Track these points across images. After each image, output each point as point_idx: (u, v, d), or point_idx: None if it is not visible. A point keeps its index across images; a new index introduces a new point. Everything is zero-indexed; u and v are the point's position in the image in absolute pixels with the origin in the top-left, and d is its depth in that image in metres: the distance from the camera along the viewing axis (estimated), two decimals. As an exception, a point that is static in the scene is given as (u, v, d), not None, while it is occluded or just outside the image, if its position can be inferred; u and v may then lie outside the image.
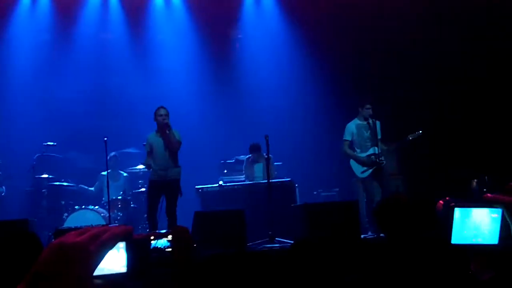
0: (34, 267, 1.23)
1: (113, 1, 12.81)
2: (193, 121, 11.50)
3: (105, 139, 9.20)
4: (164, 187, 8.85)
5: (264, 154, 9.79)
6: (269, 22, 13.11)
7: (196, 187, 10.34)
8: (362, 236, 8.17)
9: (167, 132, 8.83)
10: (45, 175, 10.77)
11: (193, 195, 10.22)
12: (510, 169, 9.71)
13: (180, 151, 9.04)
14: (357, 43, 12.07)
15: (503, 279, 3.23)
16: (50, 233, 8.78)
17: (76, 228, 7.40)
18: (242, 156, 11.23)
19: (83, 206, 10.27)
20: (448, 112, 11.69)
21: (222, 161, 11.50)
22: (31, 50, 12.46)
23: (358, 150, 9.59)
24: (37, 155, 10.96)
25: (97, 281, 2.75)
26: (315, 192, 11.57)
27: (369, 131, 9.49)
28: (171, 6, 13.01)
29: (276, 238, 8.42)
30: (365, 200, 9.56)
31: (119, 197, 10.60)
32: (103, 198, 10.49)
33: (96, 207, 10.33)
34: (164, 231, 6.29)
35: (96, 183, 11.08)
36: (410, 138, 9.58)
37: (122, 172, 11.21)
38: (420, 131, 9.57)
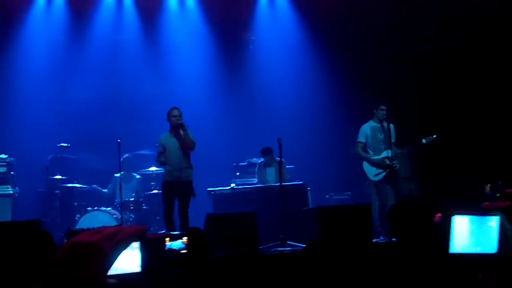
0: (49, 266, 1.23)
1: (128, 2, 12.84)
2: (206, 123, 11.49)
3: (119, 140, 9.23)
4: (177, 188, 8.88)
5: (277, 157, 9.77)
6: (282, 24, 13.08)
7: (208, 189, 10.34)
8: (374, 240, 8.13)
9: (182, 132, 8.86)
10: (58, 176, 10.80)
11: (205, 198, 10.22)
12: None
13: (193, 153, 9.06)
14: (372, 45, 12.02)
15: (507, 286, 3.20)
16: (62, 234, 8.81)
17: (88, 229, 7.42)
18: (254, 159, 11.22)
19: (96, 208, 10.31)
20: (463, 116, 11.61)
21: (235, 164, 11.49)
22: (46, 51, 12.51)
23: (371, 153, 9.54)
24: (50, 156, 11.01)
25: (112, 280, 2.76)
26: (327, 196, 11.54)
27: (383, 134, 9.44)
28: (185, 8, 13.02)
29: (288, 242, 8.40)
30: (377, 203, 9.51)
31: (132, 199, 10.63)
32: (116, 200, 10.53)
33: (109, 208, 10.37)
34: (179, 232, 6.31)
35: (109, 185, 11.11)
36: (424, 142, 9.52)
37: (135, 174, 11.24)
38: (435, 136, 9.52)
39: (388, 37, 11.99)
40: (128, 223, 10.08)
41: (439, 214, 3.73)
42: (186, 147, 8.90)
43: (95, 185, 11.06)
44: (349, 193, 11.52)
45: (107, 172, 11.11)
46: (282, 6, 13.10)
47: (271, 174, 10.71)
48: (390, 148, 9.36)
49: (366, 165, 9.54)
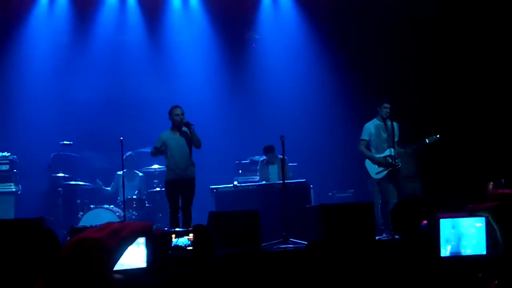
0: (55, 263, 1.24)
1: (131, 2, 12.84)
2: (208, 121, 11.50)
3: (121, 138, 9.24)
4: (181, 186, 8.91)
5: (279, 155, 9.78)
6: (286, 22, 13.07)
7: (211, 187, 10.35)
8: (376, 238, 8.13)
9: (189, 130, 8.90)
10: (61, 174, 10.83)
11: (208, 195, 10.23)
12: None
13: (196, 151, 9.09)
14: (376, 44, 12.00)
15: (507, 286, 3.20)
16: (65, 232, 8.83)
17: (92, 226, 7.44)
18: (257, 157, 11.22)
19: (99, 205, 10.33)
20: (466, 115, 11.59)
21: (237, 162, 11.50)
22: (49, 51, 12.51)
23: (374, 151, 9.53)
24: (53, 154, 11.01)
25: (117, 275, 2.77)
26: (330, 193, 11.54)
27: (386, 133, 9.43)
28: (188, 7, 13.01)
29: (290, 239, 8.41)
30: (380, 202, 9.52)
31: (134, 197, 10.65)
32: (119, 198, 10.54)
33: (112, 206, 10.39)
34: (184, 229, 6.32)
35: (112, 183, 11.12)
36: (427, 142, 9.52)
37: (137, 171, 11.25)
38: (438, 135, 9.51)
39: (392, 35, 11.97)
40: (131, 221, 10.09)
41: (425, 221, 3.73)
42: (195, 145, 8.94)
43: (97, 180, 11.05)
44: (352, 191, 11.52)
45: (110, 170, 11.12)
46: (285, 5, 13.08)
47: (273, 172, 10.72)
48: (393, 147, 9.35)
49: (368, 163, 9.54)
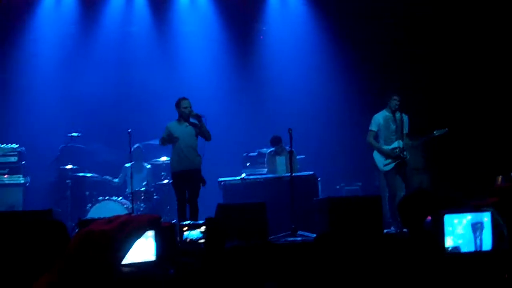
0: (64, 255, 1.24)
1: (138, -7, 12.87)
2: (216, 113, 11.49)
3: (129, 131, 9.26)
4: (187, 177, 8.92)
5: (287, 146, 9.76)
6: (293, 13, 13.04)
7: (219, 180, 10.35)
8: (384, 231, 8.12)
9: (199, 122, 8.92)
10: (69, 166, 10.86)
11: (215, 188, 10.24)
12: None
13: (204, 143, 9.09)
14: (385, 35, 11.95)
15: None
16: (73, 224, 8.85)
17: (101, 218, 7.47)
18: (264, 149, 11.21)
19: (107, 197, 10.36)
20: (475, 107, 11.54)
21: (245, 154, 11.50)
22: (56, 43, 12.54)
23: (382, 142, 9.50)
24: (61, 146, 11.05)
25: (126, 269, 2.78)
26: (337, 186, 11.53)
27: (395, 124, 9.40)
28: (195, -2, 13.03)
29: (298, 232, 8.42)
30: (387, 194, 9.50)
31: (142, 189, 10.67)
32: (127, 190, 10.58)
33: (120, 198, 10.42)
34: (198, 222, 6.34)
35: (120, 175, 11.15)
36: (436, 134, 9.48)
37: (145, 163, 11.27)
38: (446, 129, 9.47)
39: (401, 27, 11.92)
40: (139, 213, 10.11)
41: (429, 217, 3.72)
42: (206, 136, 8.95)
43: (105, 176, 11.08)
44: (360, 183, 11.51)
45: (118, 162, 11.15)
46: (293, -4, 13.06)
47: (281, 163, 10.70)
48: (402, 139, 9.32)
49: (376, 155, 9.51)
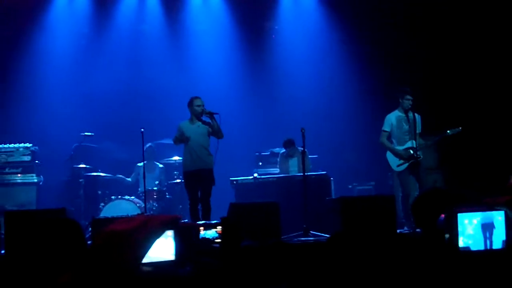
0: (84, 255, 1.23)
1: (151, -8, 12.90)
2: (228, 112, 11.49)
3: (142, 130, 9.28)
4: (199, 176, 8.93)
5: (299, 147, 9.74)
6: (306, 12, 12.99)
7: (231, 179, 10.35)
8: (398, 231, 8.08)
9: (212, 120, 8.92)
10: (82, 165, 10.90)
11: (227, 187, 10.23)
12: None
13: (215, 142, 9.09)
14: (398, 35, 11.89)
15: None
16: (86, 222, 8.88)
17: (112, 218, 7.50)
18: (277, 149, 11.20)
19: (119, 196, 10.39)
20: (489, 106, 11.46)
21: (257, 153, 11.48)
22: (69, 41, 12.59)
23: (395, 142, 9.45)
24: (75, 145, 11.10)
25: (146, 268, 2.78)
26: (350, 186, 11.49)
27: (408, 124, 9.34)
28: (207, -3, 13.03)
29: (311, 232, 8.39)
30: (401, 194, 9.45)
31: (155, 188, 10.69)
32: (139, 189, 10.60)
33: (132, 197, 10.44)
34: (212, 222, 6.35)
35: (133, 174, 11.18)
36: (449, 133, 9.41)
37: (157, 163, 11.29)
38: (460, 128, 9.40)
39: (414, 27, 11.87)
40: (151, 212, 10.14)
41: (443, 214, 3.70)
42: (219, 135, 8.95)
43: (118, 175, 11.12)
44: (373, 183, 11.46)
45: (130, 161, 11.17)
46: (305, -5, 13.02)
47: (293, 165, 10.69)
48: (415, 139, 9.25)
49: (389, 155, 9.46)
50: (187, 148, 9.07)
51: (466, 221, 3.56)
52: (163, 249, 3.25)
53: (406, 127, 9.36)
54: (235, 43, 12.88)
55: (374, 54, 12.05)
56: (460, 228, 3.53)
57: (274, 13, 13.08)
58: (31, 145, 10.80)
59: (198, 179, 8.95)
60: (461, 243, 3.53)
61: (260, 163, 11.32)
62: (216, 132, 8.99)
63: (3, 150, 10.71)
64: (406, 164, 9.32)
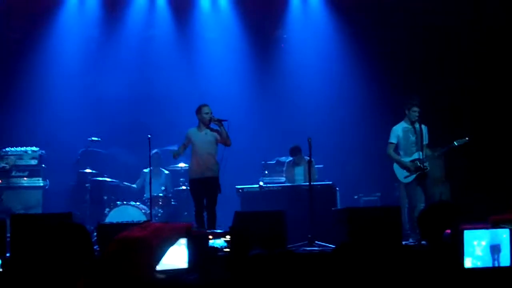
0: (100, 260, 1.25)
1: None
2: (235, 120, 11.51)
3: (149, 136, 9.30)
4: (205, 184, 8.93)
5: (306, 156, 9.73)
6: (315, 22, 12.98)
7: (237, 187, 10.35)
8: (403, 242, 8.05)
9: (220, 128, 8.93)
10: (88, 170, 10.92)
11: (233, 195, 10.23)
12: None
13: (222, 150, 9.09)
14: (406, 46, 11.89)
15: None
16: (92, 227, 8.90)
17: (118, 223, 7.52)
18: (283, 158, 11.19)
19: (125, 202, 10.40)
20: (496, 117, 11.43)
21: (263, 162, 11.47)
22: (78, 46, 12.63)
23: (402, 154, 9.42)
24: (81, 149, 11.13)
25: (160, 275, 2.79)
26: (355, 197, 11.47)
27: (415, 136, 9.33)
28: (217, 4, 13.03)
29: (316, 242, 8.38)
30: (407, 206, 9.42)
31: (160, 194, 10.70)
32: (145, 195, 10.61)
33: (138, 203, 10.45)
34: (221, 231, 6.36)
35: (138, 180, 11.19)
36: (456, 145, 9.38)
37: (163, 169, 11.30)
38: (467, 138, 9.37)
39: (422, 37, 11.86)
40: (157, 218, 10.15)
41: (448, 230, 3.70)
42: (227, 143, 8.95)
43: (124, 182, 11.14)
44: (379, 194, 11.43)
45: (136, 167, 11.19)
46: (314, 4, 13.00)
47: (299, 173, 10.68)
48: (422, 150, 9.24)
49: (396, 167, 9.44)
50: (194, 155, 9.08)
51: (475, 243, 3.56)
52: (176, 256, 3.27)
53: (413, 138, 9.35)
54: (243, 51, 12.89)
55: (383, 65, 12.03)
56: (469, 249, 3.54)
57: (284, 22, 13.09)
58: (38, 149, 10.85)
59: (204, 187, 8.96)
60: (469, 264, 3.53)
61: (266, 172, 11.31)
62: (224, 139, 9.00)
63: (12, 153, 10.74)
64: (414, 176, 9.29)
